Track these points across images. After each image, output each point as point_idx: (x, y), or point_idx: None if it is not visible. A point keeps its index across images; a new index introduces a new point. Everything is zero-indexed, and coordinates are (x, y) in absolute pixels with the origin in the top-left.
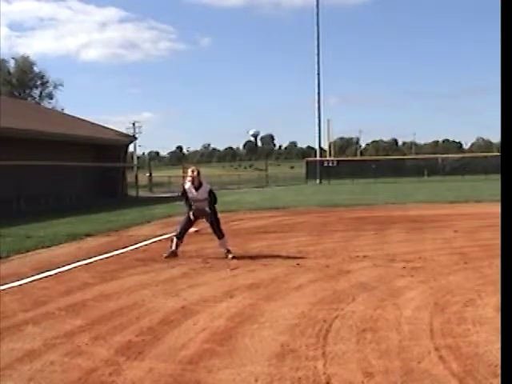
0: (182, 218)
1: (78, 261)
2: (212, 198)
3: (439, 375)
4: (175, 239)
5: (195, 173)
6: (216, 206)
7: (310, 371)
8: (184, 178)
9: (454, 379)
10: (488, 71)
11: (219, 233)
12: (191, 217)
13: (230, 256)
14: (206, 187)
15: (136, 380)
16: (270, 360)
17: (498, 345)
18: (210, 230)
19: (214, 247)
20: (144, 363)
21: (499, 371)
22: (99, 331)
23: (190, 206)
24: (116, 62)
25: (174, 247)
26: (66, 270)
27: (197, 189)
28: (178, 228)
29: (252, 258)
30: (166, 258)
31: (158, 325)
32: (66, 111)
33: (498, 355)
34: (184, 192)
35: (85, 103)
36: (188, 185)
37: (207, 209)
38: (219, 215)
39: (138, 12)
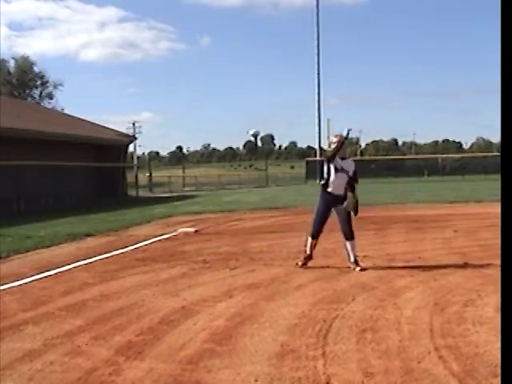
0: (314, 215)
1: (78, 261)
2: (355, 178)
3: (439, 375)
4: (310, 239)
5: (341, 139)
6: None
7: (309, 371)
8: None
9: (454, 379)
10: (488, 71)
11: (349, 233)
12: (325, 208)
13: (358, 268)
14: (351, 163)
15: (136, 380)
16: (269, 360)
17: (498, 345)
18: (209, 231)
19: (213, 247)
20: (144, 363)
21: (499, 371)
22: (99, 331)
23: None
24: (116, 61)
25: (308, 250)
26: (66, 270)
27: (342, 159)
28: (314, 226)
29: (252, 257)
30: (301, 266)
31: (158, 325)
32: (66, 111)
33: (498, 355)
34: (328, 169)
35: (85, 103)
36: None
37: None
38: (219, 215)
39: (137, 12)
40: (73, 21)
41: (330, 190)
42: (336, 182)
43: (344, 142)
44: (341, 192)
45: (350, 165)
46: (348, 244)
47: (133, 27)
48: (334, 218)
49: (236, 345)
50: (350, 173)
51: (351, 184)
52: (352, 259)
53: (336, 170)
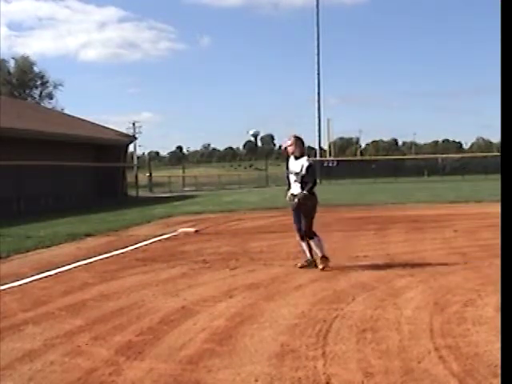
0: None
1: (78, 261)
2: (310, 173)
3: (439, 375)
4: (301, 242)
5: (295, 140)
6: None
7: (309, 371)
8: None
9: (454, 379)
10: (487, 71)
11: (308, 232)
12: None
13: (320, 266)
14: (305, 161)
15: (136, 380)
16: (269, 360)
17: (498, 345)
18: (209, 230)
19: (213, 247)
20: (144, 363)
21: (499, 371)
22: (99, 331)
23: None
24: (115, 61)
25: (308, 254)
26: (66, 270)
27: (296, 158)
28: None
29: (252, 257)
30: (300, 267)
31: (158, 325)
32: (66, 111)
33: (498, 355)
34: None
35: (85, 103)
36: (291, 158)
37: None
38: (219, 215)
39: (137, 12)
40: (73, 21)
41: (290, 191)
42: (292, 184)
43: (297, 142)
44: (296, 192)
45: (301, 164)
46: (311, 243)
47: (133, 27)
48: (330, 219)
49: (236, 345)
50: (303, 171)
51: (305, 182)
52: (319, 254)
53: (287, 170)
